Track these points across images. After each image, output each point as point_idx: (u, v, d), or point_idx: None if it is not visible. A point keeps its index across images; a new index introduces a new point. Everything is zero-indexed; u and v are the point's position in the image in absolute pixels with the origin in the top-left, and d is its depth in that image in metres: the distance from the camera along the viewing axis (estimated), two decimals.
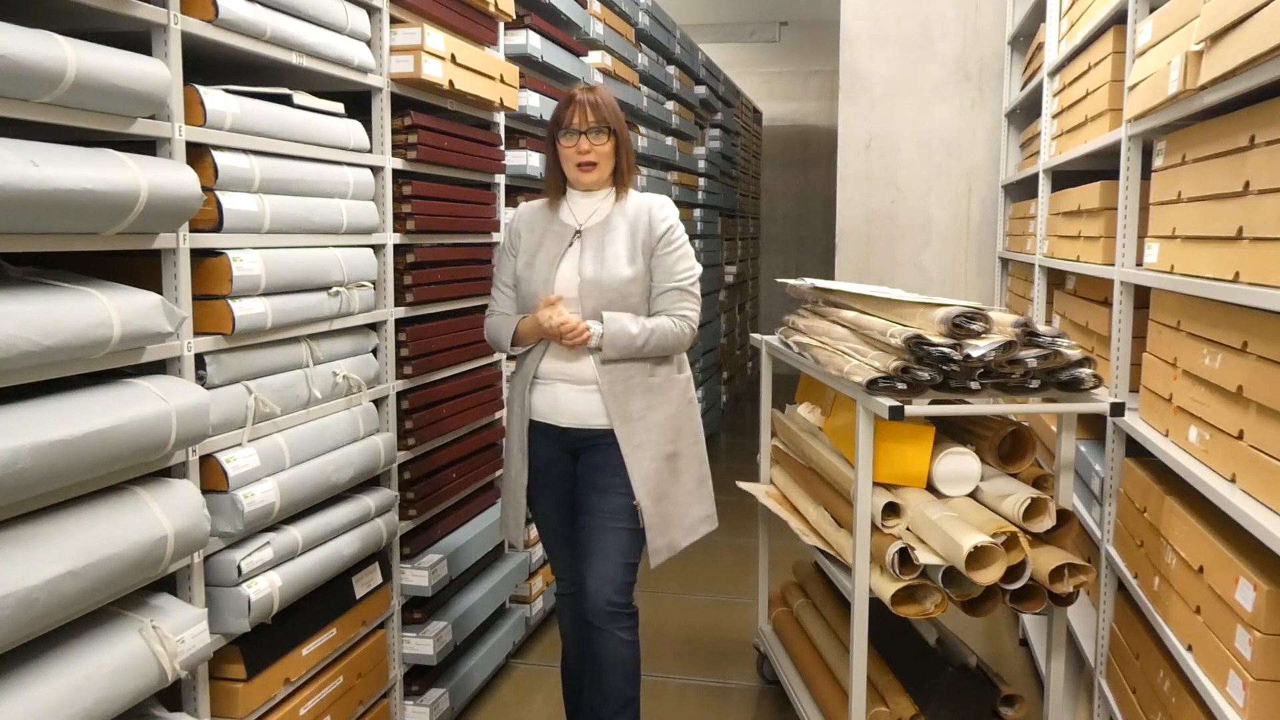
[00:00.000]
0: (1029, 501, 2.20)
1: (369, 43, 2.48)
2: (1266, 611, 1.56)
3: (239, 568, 1.95)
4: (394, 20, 2.58)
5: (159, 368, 1.80)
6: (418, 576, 2.71)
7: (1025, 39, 4.47)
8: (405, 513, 2.72)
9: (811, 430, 2.94)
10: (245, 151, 2.02)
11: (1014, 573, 2.14)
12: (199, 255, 1.91)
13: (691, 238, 4.90)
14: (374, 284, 2.49)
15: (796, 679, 2.94)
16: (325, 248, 2.28)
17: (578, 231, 2.41)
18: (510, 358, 3.23)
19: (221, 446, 1.96)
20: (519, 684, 3.24)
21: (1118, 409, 2.18)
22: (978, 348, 2.10)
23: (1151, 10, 2.27)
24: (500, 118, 3.25)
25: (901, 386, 2.13)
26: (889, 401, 2.10)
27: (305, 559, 2.16)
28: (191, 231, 1.86)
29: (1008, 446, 2.41)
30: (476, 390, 3.11)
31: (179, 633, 1.69)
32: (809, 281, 3.02)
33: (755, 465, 3.34)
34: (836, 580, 2.49)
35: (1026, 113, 4.37)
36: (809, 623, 3.03)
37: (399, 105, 2.65)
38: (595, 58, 4.23)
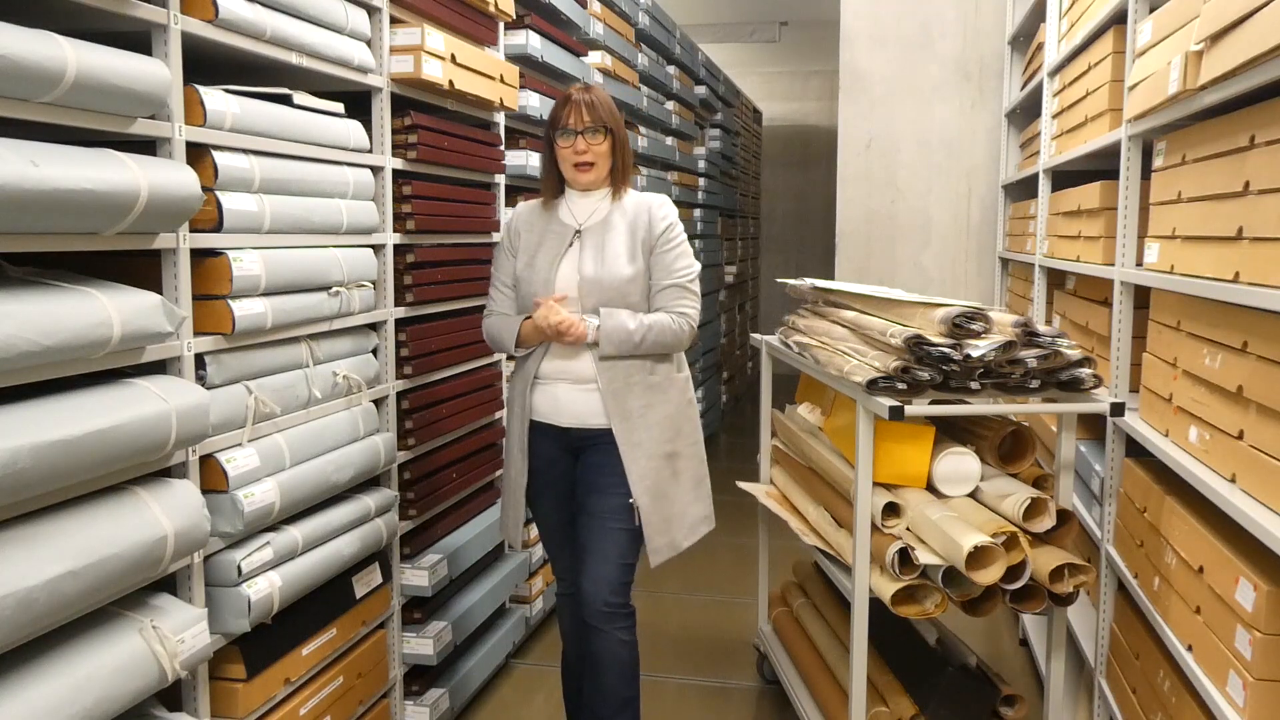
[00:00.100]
0: (1029, 501, 2.20)
1: (369, 43, 2.48)
2: (1266, 611, 1.56)
3: (239, 568, 1.95)
4: (394, 20, 2.58)
5: (159, 368, 1.80)
6: (418, 576, 2.71)
7: (1025, 39, 4.47)
8: (405, 513, 2.72)
9: (811, 430, 2.94)
10: (245, 151, 2.02)
11: (1014, 573, 2.14)
12: (199, 255, 1.91)
13: (691, 238, 4.90)
14: (374, 284, 2.49)
15: (796, 679, 2.94)
16: (325, 248, 2.28)
17: (577, 231, 2.41)
18: (510, 358, 3.23)
19: (221, 446, 1.96)
20: (519, 684, 3.24)
21: (1118, 409, 2.18)
22: (978, 348, 2.10)
23: (1151, 10, 2.27)
24: (500, 118, 3.25)
25: (901, 386, 2.13)
26: (889, 401, 2.10)
27: (305, 559, 2.16)
28: (191, 231, 1.86)
29: (1008, 446, 2.41)
30: (476, 390, 3.11)
31: (179, 633, 1.69)
32: (809, 281, 3.02)
33: (755, 465, 3.34)
34: (836, 580, 2.49)
35: (1026, 113, 4.37)
36: (809, 623, 3.03)
37: (399, 105, 2.65)
38: (595, 58, 4.23)
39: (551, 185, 2.47)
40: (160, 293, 1.81)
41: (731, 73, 8.37)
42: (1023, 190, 4.33)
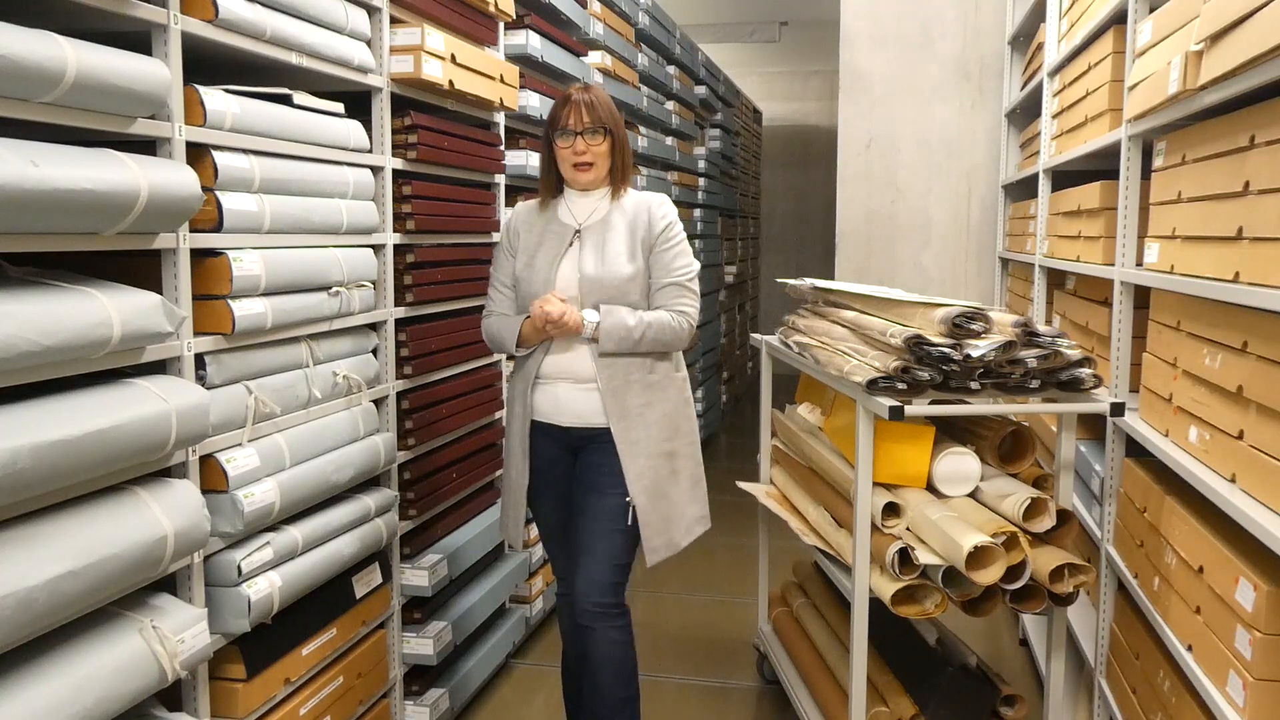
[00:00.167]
0: (1029, 501, 2.20)
1: (369, 43, 2.48)
2: (1266, 611, 1.56)
3: (239, 568, 1.95)
4: (394, 20, 2.58)
5: (159, 368, 1.80)
6: (418, 576, 2.71)
7: (1025, 39, 4.47)
8: (405, 513, 2.72)
9: (811, 430, 2.94)
10: (245, 151, 2.02)
11: (1014, 573, 2.14)
12: (199, 255, 1.91)
13: (691, 238, 4.90)
14: (374, 284, 2.49)
15: (796, 679, 2.94)
16: (325, 248, 2.28)
17: (577, 230, 2.41)
18: (510, 358, 3.23)
19: (221, 446, 1.96)
20: (519, 684, 3.24)
21: (1118, 409, 2.18)
22: (978, 348, 2.10)
23: (1151, 10, 2.27)
24: (500, 118, 3.25)
25: (901, 386, 2.13)
26: (889, 401, 2.10)
27: (305, 559, 2.16)
28: (191, 231, 1.86)
29: (1008, 446, 2.41)
30: (476, 390, 3.11)
31: (179, 633, 1.69)
32: (809, 281, 3.02)
33: (755, 465, 3.34)
34: (836, 580, 2.49)
35: (1026, 113, 4.37)
36: (809, 623, 3.03)
37: (399, 105, 2.65)
38: (595, 58, 4.23)
39: (550, 185, 2.47)
40: (160, 293, 1.81)
41: (731, 73, 8.37)
42: (1023, 190, 4.32)
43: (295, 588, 2.11)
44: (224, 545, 1.97)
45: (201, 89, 1.89)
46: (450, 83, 2.69)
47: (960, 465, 2.33)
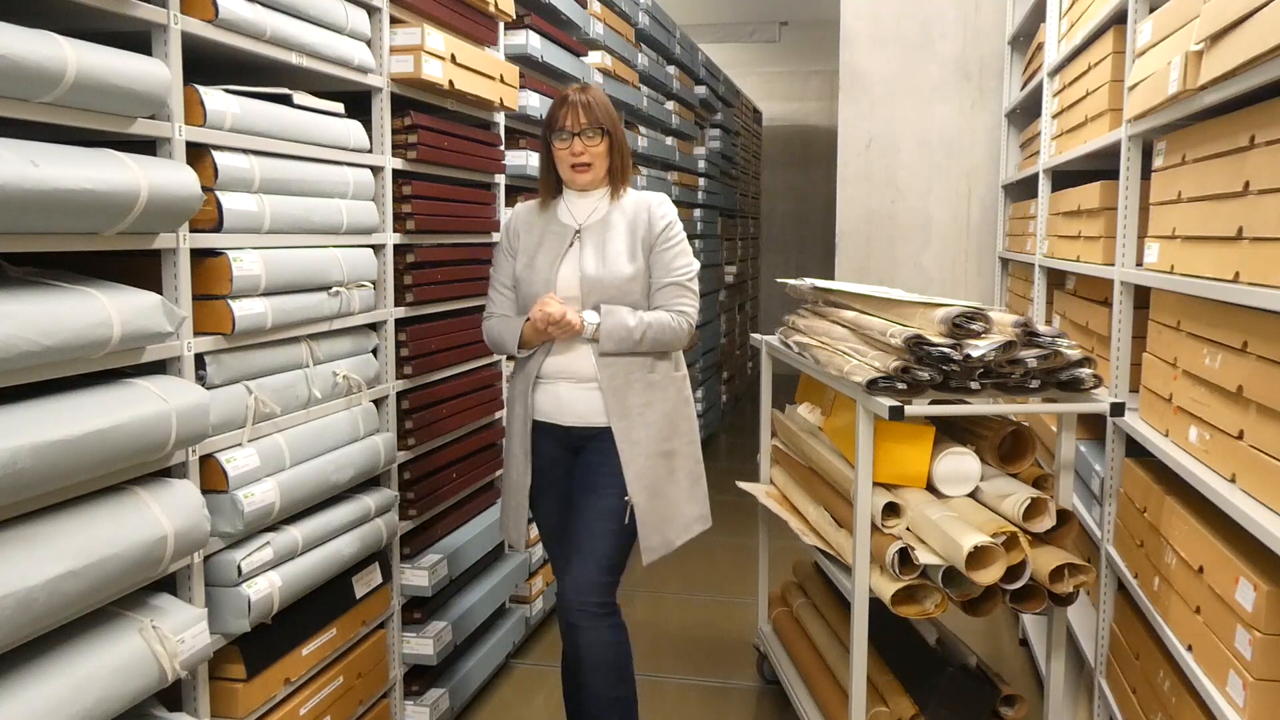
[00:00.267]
0: (1029, 501, 2.20)
1: (369, 43, 2.48)
2: (1266, 611, 1.56)
3: (239, 568, 1.95)
4: (394, 20, 2.58)
5: (159, 368, 1.80)
6: (418, 576, 2.71)
7: (1025, 39, 4.47)
8: (405, 513, 2.72)
9: (811, 430, 2.94)
10: (245, 151, 2.02)
11: (1014, 573, 2.14)
12: (199, 255, 1.91)
13: (691, 238, 4.90)
14: (374, 284, 2.49)
15: (796, 679, 2.94)
16: (325, 248, 2.28)
17: (577, 231, 2.41)
18: (511, 358, 3.23)
19: (221, 446, 1.96)
20: (519, 684, 3.24)
21: (1118, 409, 2.18)
22: (978, 348, 2.10)
23: (1151, 10, 2.27)
24: (500, 118, 3.25)
25: (901, 386, 2.13)
26: (889, 401, 2.10)
27: (305, 559, 2.16)
28: (191, 231, 1.86)
29: (1008, 446, 2.41)
30: (476, 390, 3.11)
31: (179, 633, 1.69)
32: (809, 281, 3.02)
33: (755, 465, 3.34)
34: (836, 580, 2.49)
35: (1026, 113, 4.37)
36: (809, 623, 3.03)
37: (399, 105, 2.65)
38: (595, 58, 4.23)
39: (549, 186, 2.47)
40: (160, 293, 1.81)
41: (731, 73, 8.37)
42: (1023, 190, 4.33)
43: (295, 588, 2.11)
44: (224, 545, 1.97)
45: (201, 89, 1.89)
46: (450, 83, 2.69)
47: (960, 465, 2.33)
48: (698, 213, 6.29)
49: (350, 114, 2.42)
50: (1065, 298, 3.19)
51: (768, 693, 3.18)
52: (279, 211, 2.09)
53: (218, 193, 1.93)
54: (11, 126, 1.52)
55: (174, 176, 1.70)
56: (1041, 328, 2.16)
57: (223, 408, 1.95)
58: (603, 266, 2.35)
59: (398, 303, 2.67)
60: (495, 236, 3.20)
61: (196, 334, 1.90)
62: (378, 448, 2.46)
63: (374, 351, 2.56)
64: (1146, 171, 2.28)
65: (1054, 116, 3.41)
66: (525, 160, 3.37)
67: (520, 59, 3.38)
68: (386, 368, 2.61)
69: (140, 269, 1.83)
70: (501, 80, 3.02)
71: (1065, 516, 2.24)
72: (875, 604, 2.28)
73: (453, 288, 2.92)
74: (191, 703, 1.92)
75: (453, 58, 2.70)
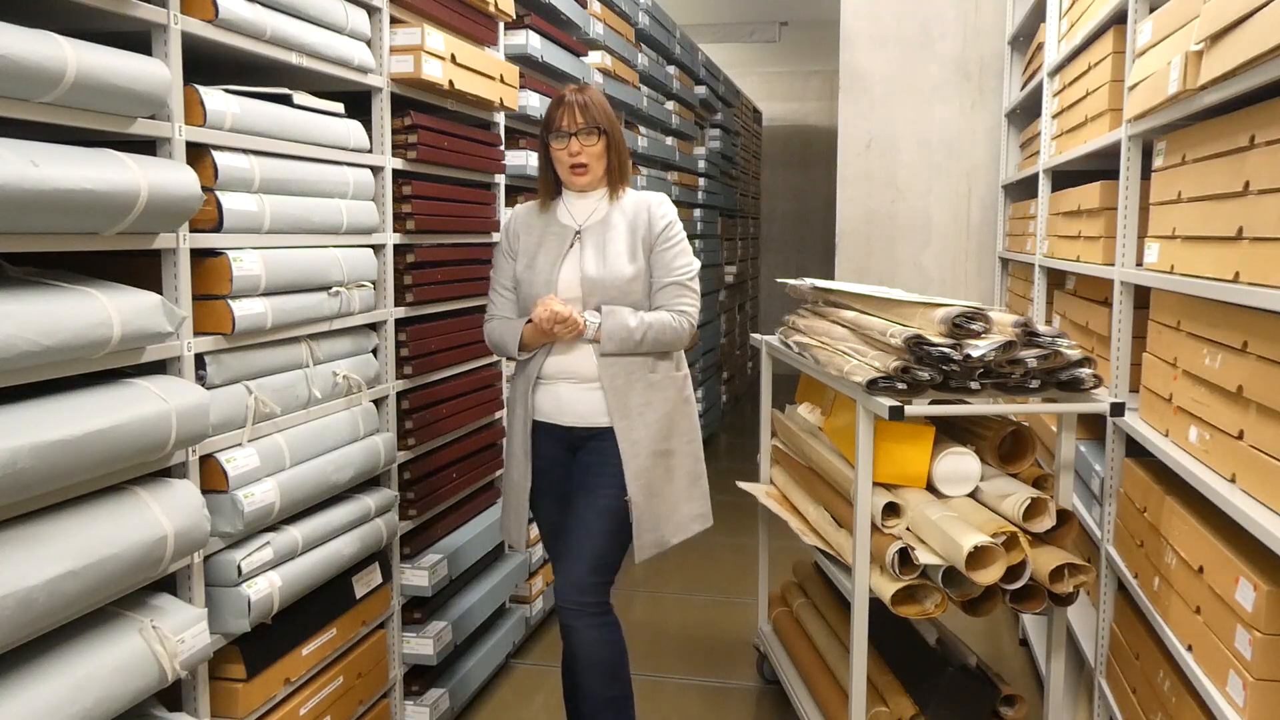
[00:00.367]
0: (1029, 501, 2.20)
1: (369, 43, 2.48)
2: (1266, 611, 1.56)
3: (239, 568, 1.95)
4: (394, 20, 2.58)
5: (159, 368, 1.80)
6: (418, 576, 2.71)
7: (1025, 39, 4.47)
8: (405, 513, 2.72)
9: (811, 430, 2.94)
10: (245, 151, 2.02)
11: (1014, 573, 2.14)
12: (199, 255, 1.91)
13: (691, 238, 4.90)
14: (374, 284, 2.49)
15: (796, 679, 2.94)
16: (325, 248, 2.28)
17: (577, 231, 2.41)
18: (512, 359, 3.23)
19: (221, 446, 1.96)
20: (519, 684, 3.24)
21: (1118, 409, 2.18)
22: (978, 348, 2.10)
23: (1151, 10, 2.27)
24: (500, 118, 3.25)
25: (901, 386, 2.13)
26: (889, 401, 2.10)
27: (305, 559, 2.16)
28: (191, 231, 1.86)
29: (1008, 446, 2.41)
30: (476, 390, 3.11)
31: (179, 633, 1.69)
32: (809, 281, 3.02)
33: (755, 465, 3.34)
34: (836, 580, 2.49)
35: (1026, 113, 4.37)
36: (809, 623, 3.03)
37: (399, 105, 2.65)
38: (595, 58, 4.23)
39: (548, 187, 2.47)
40: (160, 293, 1.81)
41: (731, 73, 8.37)
42: (1023, 190, 4.33)
43: (295, 588, 2.11)
44: (224, 545, 1.97)
45: (201, 89, 1.89)
46: (450, 83, 2.69)
47: (960, 465, 2.33)
48: (698, 213, 6.29)
49: (350, 114, 2.42)
50: (1065, 298, 3.19)
51: (768, 693, 3.18)
52: (279, 211, 2.09)
53: (218, 193, 1.93)
54: (11, 126, 1.52)
55: (174, 176, 1.70)
56: (1041, 328, 2.16)
57: (223, 408, 1.95)
58: (603, 267, 2.35)
59: (398, 303, 2.67)
60: (495, 236, 3.20)
61: (196, 334, 1.90)
62: (378, 448, 2.46)
63: (374, 351, 2.56)
64: (1146, 171, 2.28)
65: (1054, 116, 3.41)
66: (525, 160, 3.37)
67: (520, 59, 3.38)
68: (386, 368, 2.61)
69: (140, 269, 1.83)
70: (501, 80, 3.02)
71: (1065, 516, 2.24)
72: (875, 604, 2.28)
73: (453, 288, 2.92)
74: (191, 703, 1.92)
75: (453, 58, 2.70)
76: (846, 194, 4.97)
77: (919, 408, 2.14)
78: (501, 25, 3.27)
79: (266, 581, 2.02)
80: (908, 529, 2.27)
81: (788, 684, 2.95)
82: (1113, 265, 2.50)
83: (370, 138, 2.50)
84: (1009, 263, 4.57)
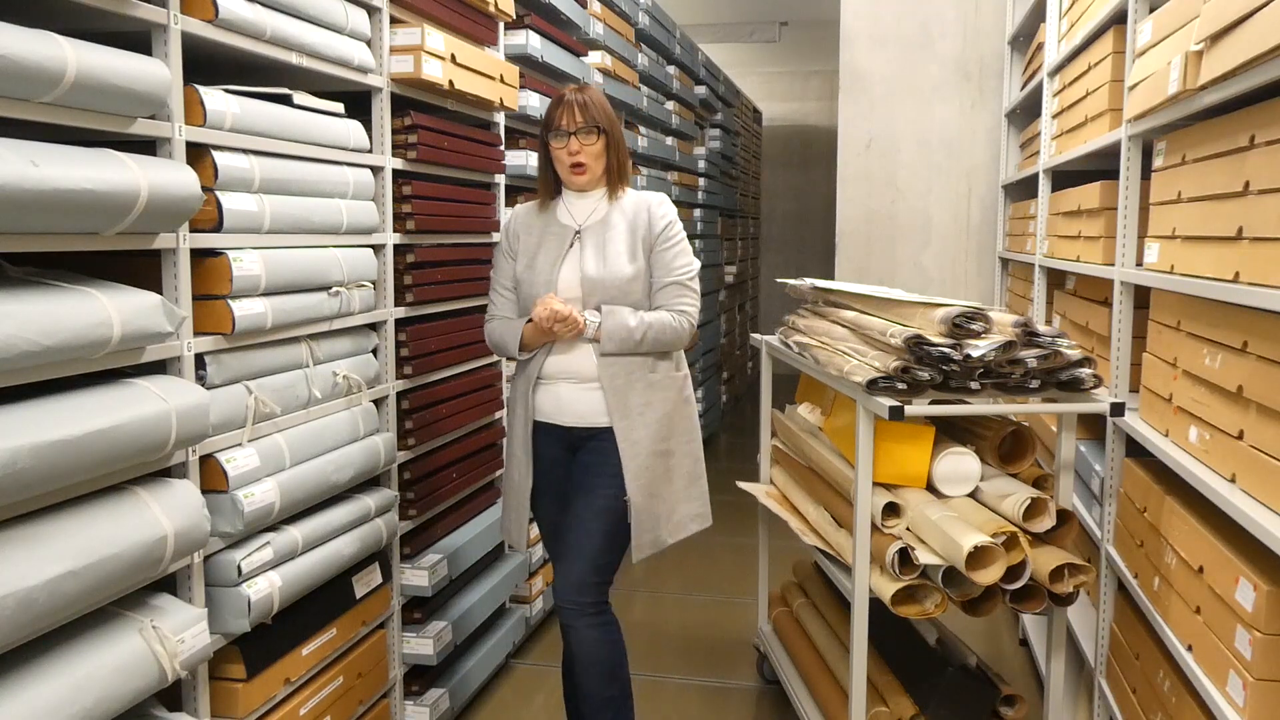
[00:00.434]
0: (1029, 501, 2.20)
1: (369, 43, 2.48)
2: (1266, 611, 1.56)
3: (239, 568, 1.95)
4: (394, 20, 2.58)
5: (159, 368, 1.80)
6: (418, 576, 2.71)
7: (1025, 39, 4.47)
8: (405, 513, 2.72)
9: (811, 430, 2.94)
10: (245, 151, 2.02)
11: (1014, 573, 2.14)
12: (199, 255, 1.91)
13: (691, 238, 4.90)
14: (374, 284, 2.50)
15: (796, 679, 2.94)
16: (325, 248, 2.28)
17: (577, 231, 2.41)
18: (512, 359, 3.23)
19: (221, 446, 1.96)
20: (519, 684, 3.24)
21: (1118, 409, 2.18)
22: (978, 348, 2.10)
23: (1151, 10, 2.27)
24: (500, 118, 3.25)
25: (901, 386, 2.13)
26: (889, 401, 2.10)
27: (305, 559, 2.16)
28: (191, 231, 1.86)
29: (1008, 446, 2.41)
30: (476, 390, 3.11)
31: (179, 633, 1.69)
32: (809, 281, 3.02)
33: (755, 465, 3.34)
34: (836, 580, 2.49)
35: (1026, 113, 4.37)
36: (809, 623, 3.03)
37: (399, 105, 2.65)
38: (595, 58, 4.23)
39: (547, 186, 2.47)
40: (160, 293, 1.81)
41: (731, 73, 8.37)
42: (1023, 190, 4.33)
43: (295, 588, 2.11)
44: (224, 545, 1.97)
45: (201, 89, 1.89)
46: (450, 83, 2.69)
47: (960, 465, 2.33)
48: (698, 213, 6.29)
49: (350, 114, 2.42)
50: (1065, 298, 3.19)
51: (768, 693, 3.18)
52: (279, 211, 2.09)
53: (218, 193, 1.93)
54: (11, 126, 1.52)
55: (174, 176, 1.70)
56: (1041, 328, 2.16)
57: (223, 408, 1.95)
58: (603, 267, 2.35)
59: (398, 303, 2.67)
60: (495, 236, 3.20)
61: (196, 334, 1.90)
62: (378, 448, 2.46)
63: (374, 351, 2.56)
64: (1146, 171, 2.28)
65: (1054, 116, 3.41)
66: (525, 160, 3.37)
67: (520, 59, 3.38)
68: (386, 368, 2.61)
69: (140, 269, 1.83)
70: (501, 80, 3.02)
71: (1065, 516, 2.24)
72: (875, 604, 2.28)
73: (453, 288, 2.92)
74: (191, 703, 1.92)
75: (453, 58, 2.70)
76: (846, 194, 4.97)
77: (919, 408, 2.14)
78: (501, 25, 3.27)
79: (266, 581, 2.02)
80: (908, 529, 2.27)
81: (788, 684, 2.95)
82: (1113, 265, 2.50)
83: (370, 138, 2.50)
84: (1009, 263, 4.57)
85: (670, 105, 5.64)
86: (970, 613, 2.21)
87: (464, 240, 3.01)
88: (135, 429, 1.59)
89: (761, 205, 10.18)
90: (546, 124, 2.39)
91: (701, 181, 6.40)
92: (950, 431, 2.47)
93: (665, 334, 2.36)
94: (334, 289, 2.28)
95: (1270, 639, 1.56)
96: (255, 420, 2.04)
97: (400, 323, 2.69)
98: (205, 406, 1.76)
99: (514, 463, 2.50)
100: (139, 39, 1.77)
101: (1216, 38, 1.68)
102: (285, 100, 2.18)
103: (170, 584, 1.86)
